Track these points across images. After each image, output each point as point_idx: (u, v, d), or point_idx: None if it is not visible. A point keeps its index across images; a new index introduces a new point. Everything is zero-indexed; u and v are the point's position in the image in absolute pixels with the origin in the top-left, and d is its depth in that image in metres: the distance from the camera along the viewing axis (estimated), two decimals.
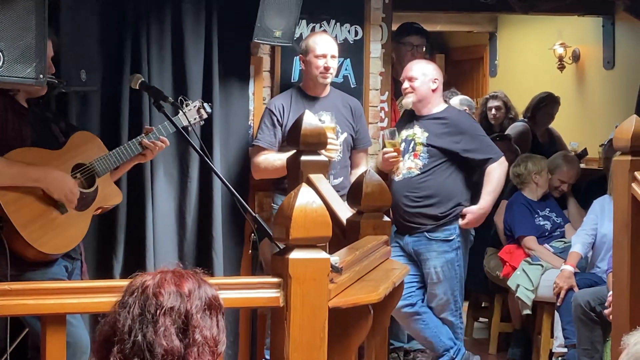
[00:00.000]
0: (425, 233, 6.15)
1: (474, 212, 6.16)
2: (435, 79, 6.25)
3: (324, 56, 5.98)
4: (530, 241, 6.89)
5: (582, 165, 8.59)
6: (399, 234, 6.28)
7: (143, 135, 4.84)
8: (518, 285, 6.71)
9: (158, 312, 2.29)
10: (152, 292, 2.31)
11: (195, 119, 5.07)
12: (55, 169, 4.43)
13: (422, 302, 6.26)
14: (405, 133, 6.27)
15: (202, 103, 5.10)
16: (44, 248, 4.34)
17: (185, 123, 4.89)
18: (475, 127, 6.39)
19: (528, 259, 6.78)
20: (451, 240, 6.17)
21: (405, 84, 6.25)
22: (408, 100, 6.25)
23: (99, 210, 4.72)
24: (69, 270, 4.57)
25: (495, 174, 6.19)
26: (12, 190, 4.28)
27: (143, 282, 2.34)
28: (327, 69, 5.99)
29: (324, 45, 5.99)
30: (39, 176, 4.36)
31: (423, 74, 6.22)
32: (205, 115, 5.13)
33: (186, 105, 5.02)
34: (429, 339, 6.22)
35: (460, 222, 6.17)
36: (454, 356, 6.22)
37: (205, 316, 2.34)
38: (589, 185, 7.47)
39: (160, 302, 2.30)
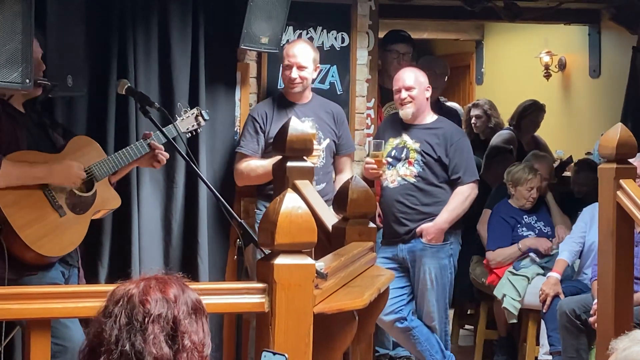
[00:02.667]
0: (420, 239, 6.14)
1: (429, 231, 6.12)
2: (428, 87, 6.26)
3: (290, 67, 5.99)
4: (489, 255, 6.91)
5: (568, 174, 8.62)
6: (391, 243, 6.26)
7: (143, 139, 4.82)
8: (504, 295, 6.71)
9: (146, 320, 2.27)
10: (138, 300, 2.30)
11: (193, 126, 5.05)
12: (57, 162, 4.43)
13: (413, 314, 6.25)
14: (394, 141, 6.25)
15: (200, 110, 5.10)
16: (42, 250, 4.33)
17: (175, 133, 4.89)
18: (462, 143, 6.27)
19: (511, 268, 6.78)
20: (445, 246, 6.16)
21: (404, 94, 6.17)
22: (408, 111, 6.19)
23: (98, 215, 4.72)
24: (66, 276, 4.57)
25: (461, 197, 6.14)
26: (11, 192, 4.28)
27: (127, 290, 2.32)
28: (291, 80, 6.00)
29: (292, 56, 5.99)
30: (44, 174, 4.37)
31: (419, 82, 6.20)
32: (203, 123, 5.11)
33: (184, 112, 5.01)
34: (421, 353, 6.22)
35: (422, 239, 6.15)
36: None
37: (192, 321, 2.33)
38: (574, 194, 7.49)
39: (148, 309, 2.29)
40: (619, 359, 2.14)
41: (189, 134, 5.04)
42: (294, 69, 5.98)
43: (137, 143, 4.80)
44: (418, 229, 6.12)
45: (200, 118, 5.08)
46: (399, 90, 6.20)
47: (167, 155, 4.88)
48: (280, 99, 6.11)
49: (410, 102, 6.17)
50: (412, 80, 6.19)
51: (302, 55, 6.00)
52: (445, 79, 7.50)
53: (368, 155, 6.24)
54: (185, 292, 2.35)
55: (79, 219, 4.55)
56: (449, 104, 8.94)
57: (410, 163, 6.18)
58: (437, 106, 7.25)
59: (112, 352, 2.26)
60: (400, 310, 6.18)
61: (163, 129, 4.75)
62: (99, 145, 4.81)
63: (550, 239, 6.88)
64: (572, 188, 7.47)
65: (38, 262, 4.37)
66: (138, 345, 2.26)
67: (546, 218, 7.04)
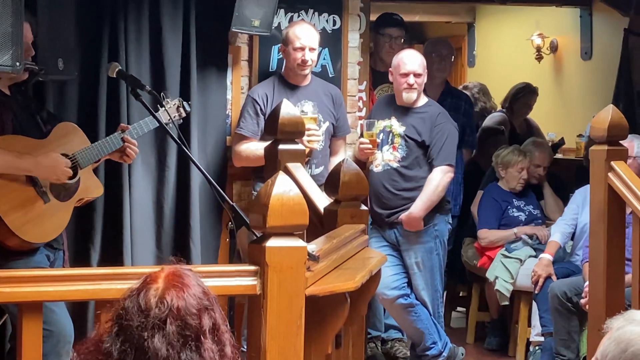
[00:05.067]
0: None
1: (404, 221, 6.13)
2: (427, 73, 6.27)
3: (302, 49, 5.97)
4: (482, 232, 6.93)
5: (560, 156, 8.65)
6: (379, 226, 6.28)
7: (120, 132, 4.81)
8: (497, 277, 6.74)
9: (200, 335, 2.24)
10: (187, 313, 2.24)
11: (174, 116, 5.03)
12: (44, 155, 4.43)
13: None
14: (382, 123, 6.25)
15: (182, 102, 5.08)
16: (27, 236, 4.34)
17: (164, 120, 4.87)
18: (445, 127, 6.21)
19: (504, 250, 6.81)
20: (428, 229, 6.16)
21: (412, 80, 6.12)
22: (413, 96, 6.17)
23: (80, 202, 4.72)
24: (51, 259, 4.57)
25: (433, 183, 6.10)
26: None
27: (171, 303, 2.23)
28: (304, 62, 5.98)
29: (303, 38, 5.97)
30: (30, 167, 4.38)
31: (425, 69, 6.20)
32: (184, 114, 5.10)
33: (166, 103, 4.99)
34: (420, 330, 6.22)
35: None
36: (442, 349, 6.23)
37: (221, 315, 2.32)
38: (566, 176, 7.51)
39: (202, 325, 2.24)
40: (613, 338, 2.15)
41: (170, 124, 5.01)
42: (307, 51, 5.97)
43: (113, 135, 4.78)
44: (399, 219, 6.13)
45: (181, 109, 5.07)
46: (407, 75, 6.14)
47: (137, 151, 4.87)
48: (280, 81, 6.10)
49: (417, 88, 6.17)
50: (421, 68, 6.17)
51: (312, 37, 6.01)
52: (452, 60, 7.46)
53: (361, 136, 6.24)
54: (202, 285, 2.32)
55: (62, 205, 4.56)
56: None
57: (394, 148, 6.19)
58: (447, 89, 7.24)
59: None
60: (404, 286, 6.21)
61: (136, 124, 4.80)
62: (88, 130, 4.81)
63: (541, 222, 6.94)
64: None
65: (22, 248, 4.38)
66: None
67: (535, 201, 7.08)
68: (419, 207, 6.09)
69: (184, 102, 5.09)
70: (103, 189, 4.92)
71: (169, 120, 4.91)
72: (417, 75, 6.14)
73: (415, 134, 6.14)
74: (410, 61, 6.18)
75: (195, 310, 2.24)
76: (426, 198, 6.09)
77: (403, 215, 6.11)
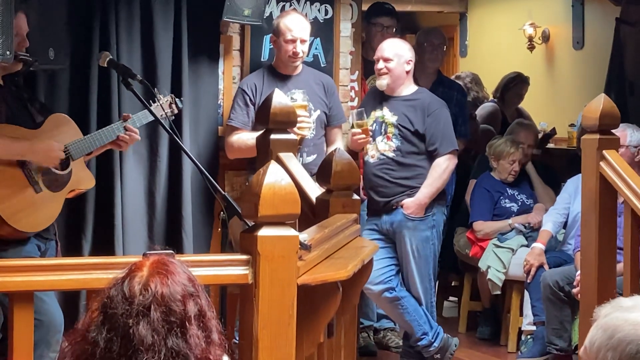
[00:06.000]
0: (402, 210, 6.15)
1: (409, 205, 6.13)
2: (409, 61, 6.22)
3: (293, 41, 5.95)
4: (477, 225, 6.94)
5: (552, 145, 8.65)
6: (375, 215, 6.28)
7: (122, 121, 4.81)
8: (489, 267, 6.74)
9: (185, 321, 2.23)
10: (171, 300, 2.23)
11: (166, 112, 5.02)
12: (38, 139, 4.43)
13: (401, 285, 6.27)
14: (374, 114, 6.25)
15: (174, 98, 5.08)
16: (18, 225, 4.33)
17: (157, 114, 4.87)
18: (440, 113, 6.21)
19: (495, 240, 6.81)
20: (427, 218, 6.16)
21: (380, 64, 6.17)
22: (383, 82, 6.18)
23: (72, 194, 4.72)
24: (42, 250, 4.56)
25: (438, 170, 6.11)
26: None
27: (155, 289, 2.23)
28: (295, 54, 5.97)
29: (295, 30, 5.94)
30: (25, 150, 4.38)
31: (398, 55, 6.18)
32: (176, 111, 5.11)
33: (158, 100, 4.98)
34: (409, 323, 6.23)
35: (403, 211, 6.17)
36: (433, 340, 6.21)
37: (207, 302, 2.32)
38: (558, 165, 7.52)
39: (187, 310, 2.25)
40: (601, 325, 2.15)
41: (162, 120, 5.01)
42: (298, 43, 5.96)
43: (113, 125, 4.79)
44: (400, 203, 6.13)
45: (173, 106, 5.08)
46: (378, 60, 6.20)
47: (138, 138, 4.89)
48: (270, 71, 6.09)
49: (386, 73, 6.17)
50: (390, 52, 6.17)
51: (304, 28, 5.99)
52: (444, 49, 7.45)
53: (352, 127, 6.23)
54: (187, 272, 2.32)
55: (54, 196, 4.55)
56: None
57: (388, 138, 6.18)
58: (439, 79, 7.23)
59: (147, 353, 2.19)
60: (390, 280, 6.20)
61: (137, 114, 4.79)
62: (79, 120, 4.81)
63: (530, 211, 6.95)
64: None
65: (13, 237, 4.38)
66: (182, 347, 2.21)
67: (528, 191, 7.08)
68: (424, 193, 6.10)
69: (177, 99, 5.09)
70: (95, 181, 4.92)
71: (161, 116, 4.91)
72: (385, 59, 6.15)
73: (408, 123, 6.13)
74: (381, 47, 6.24)
75: (179, 296, 2.24)
76: (432, 185, 6.11)
77: (406, 200, 6.12)
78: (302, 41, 5.97)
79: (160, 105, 4.88)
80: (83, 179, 4.75)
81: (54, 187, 4.54)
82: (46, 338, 4.36)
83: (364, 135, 6.11)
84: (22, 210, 4.36)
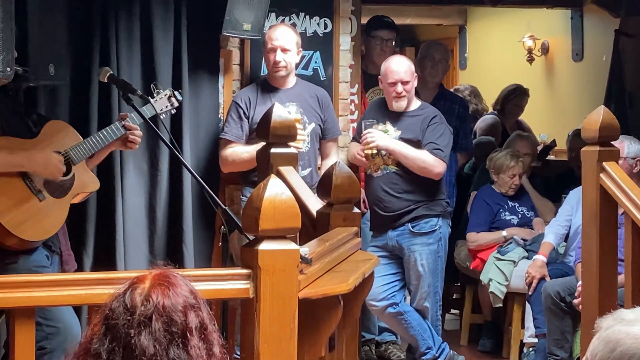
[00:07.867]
0: (409, 225, 6.14)
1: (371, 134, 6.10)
2: (416, 77, 6.25)
3: (274, 50, 5.95)
4: (471, 236, 6.94)
5: (552, 157, 8.66)
6: (380, 231, 6.27)
7: (120, 120, 4.81)
8: (490, 280, 6.74)
9: (186, 332, 2.23)
10: (173, 310, 2.23)
11: (166, 106, 5.03)
12: (36, 150, 4.43)
13: (404, 300, 6.28)
14: (377, 128, 6.23)
15: (173, 91, 5.08)
16: (25, 235, 4.33)
17: (154, 112, 4.88)
18: (439, 126, 6.20)
19: (496, 253, 6.81)
20: (434, 232, 6.16)
21: (400, 88, 6.11)
22: (402, 104, 6.17)
23: (77, 198, 4.71)
24: (50, 259, 4.57)
25: (422, 154, 6.07)
26: None
27: (156, 300, 2.23)
28: (276, 63, 5.96)
29: (275, 39, 5.95)
30: (23, 161, 4.37)
31: (413, 75, 6.17)
32: (176, 104, 5.09)
33: (157, 94, 4.99)
34: (413, 337, 6.23)
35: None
36: (437, 354, 6.22)
37: (206, 311, 2.31)
38: (558, 177, 7.52)
39: (188, 322, 2.24)
40: (602, 337, 2.15)
41: (163, 114, 5.02)
42: (278, 52, 5.95)
43: (112, 125, 4.78)
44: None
45: (173, 99, 5.07)
46: (395, 84, 6.12)
47: (141, 134, 4.86)
48: (264, 84, 6.09)
49: (405, 95, 6.16)
50: (409, 75, 6.14)
51: (285, 38, 5.97)
52: (447, 63, 7.42)
53: (353, 139, 6.23)
54: (189, 285, 2.33)
55: (58, 202, 4.55)
56: None
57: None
58: (440, 92, 7.23)
59: None
60: (393, 296, 6.20)
61: (142, 108, 4.76)
62: (78, 131, 4.79)
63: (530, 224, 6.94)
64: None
65: (21, 248, 4.37)
66: (184, 358, 2.21)
67: (529, 203, 7.07)
68: (395, 144, 6.09)
69: (175, 92, 5.09)
70: (99, 183, 4.89)
71: (161, 110, 4.92)
72: (404, 82, 6.13)
73: (410, 134, 6.12)
74: (397, 69, 6.15)
75: (181, 307, 2.24)
76: (404, 147, 6.08)
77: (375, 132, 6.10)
78: (284, 50, 5.96)
79: (156, 101, 4.89)
80: (87, 182, 4.74)
81: (57, 193, 4.53)
82: (63, 346, 4.32)
83: (365, 160, 6.14)
84: (26, 220, 4.35)
